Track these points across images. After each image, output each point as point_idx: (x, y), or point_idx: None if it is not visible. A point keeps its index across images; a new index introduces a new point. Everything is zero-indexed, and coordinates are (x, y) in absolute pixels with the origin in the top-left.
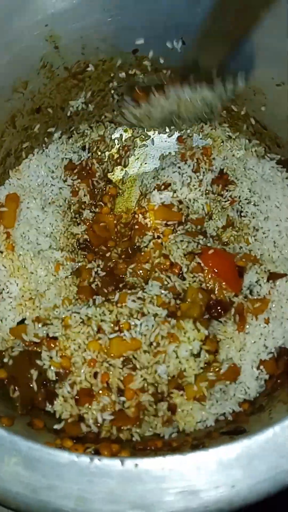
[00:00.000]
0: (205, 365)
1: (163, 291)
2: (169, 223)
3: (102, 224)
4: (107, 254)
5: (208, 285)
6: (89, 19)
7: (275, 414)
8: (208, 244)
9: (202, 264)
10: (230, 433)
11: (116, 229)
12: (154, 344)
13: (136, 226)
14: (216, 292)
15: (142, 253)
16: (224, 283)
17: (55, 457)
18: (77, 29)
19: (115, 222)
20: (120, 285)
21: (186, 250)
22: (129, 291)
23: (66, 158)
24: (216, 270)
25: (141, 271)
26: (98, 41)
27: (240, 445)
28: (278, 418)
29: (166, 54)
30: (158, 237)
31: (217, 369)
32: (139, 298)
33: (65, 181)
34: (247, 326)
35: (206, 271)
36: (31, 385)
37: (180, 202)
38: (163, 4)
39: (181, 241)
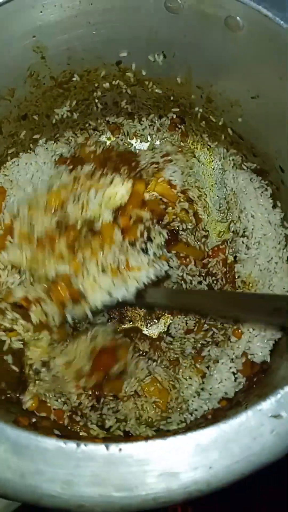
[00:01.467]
0: None
1: None
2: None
3: None
4: None
5: None
6: (75, 31)
7: (251, 407)
8: None
9: None
10: None
11: None
12: None
13: None
14: None
15: None
16: None
17: (43, 443)
18: (63, 41)
19: None
20: None
21: None
22: None
23: (56, 154)
24: None
25: None
26: (83, 52)
27: (216, 429)
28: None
29: (148, 66)
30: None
31: None
32: None
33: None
34: None
35: None
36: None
37: None
38: (145, 20)
39: None
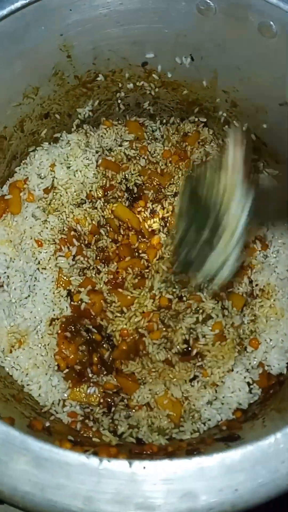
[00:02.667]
0: None
1: None
2: None
3: None
4: None
5: None
6: (103, 31)
7: (269, 422)
8: None
9: None
10: (225, 440)
11: None
12: None
13: None
14: None
15: None
16: None
17: (65, 457)
18: (90, 40)
19: None
20: None
21: None
22: None
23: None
24: None
25: None
26: (110, 52)
27: (242, 451)
28: (272, 426)
29: (174, 68)
30: None
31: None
32: None
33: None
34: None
35: None
36: None
37: None
38: (175, 23)
39: None
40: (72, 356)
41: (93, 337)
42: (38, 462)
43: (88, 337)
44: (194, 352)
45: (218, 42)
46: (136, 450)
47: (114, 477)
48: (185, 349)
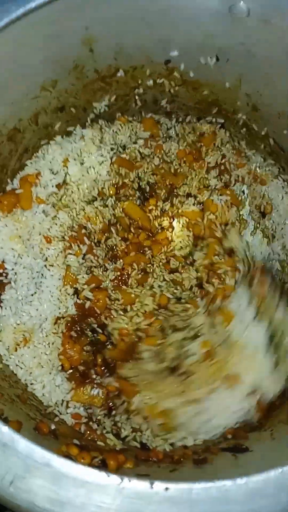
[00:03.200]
0: None
1: None
2: None
3: None
4: None
5: None
6: (128, 27)
7: (277, 434)
8: None
9: None
10: (231, 450)
11: None
12: None
13: None
14: None
15: None
16: None
17: (86, 475)
18: (114, 35)
19: None
20: None
21: None
22: None
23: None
24: None
25: None
26: (132, 48)
27: (266, 475)
28: (282, 439)
29: (197, 68)
30: None
31: None
32: None
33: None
34: None
35: None
36: None
37: None
38: (203, 23)
39: None
40: (77, 356)
41: (98, 337)
42: (57, 479)
43: (93, 338)
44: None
45: (247, 46)
46: (142, 457)
47: (136, 497)
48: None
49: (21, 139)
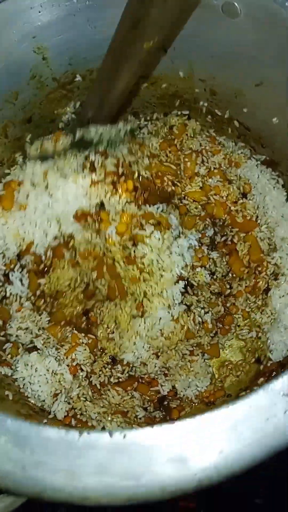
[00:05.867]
0: None
1: None
2: None
3: None
4: None
5: None
6: (75, 30)
7: None
8: None
9: None
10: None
11: None
12: None
13: None
14: None
15: None
16: None
17: (44, 433)
18: (63, 40)
19: None
20: None
21: None
22: None
23: None
24: None
25: None
26: (85, 51)
27: (225, 411)
28: None
29: None
30: None
31: None
32: None
33: None
34: None
35: None
36: None
37: None
38: None
39: None
40: None
41: None
42: (17, 440)
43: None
44: None
45: (188, 31)
46: None
47: (95, 448)
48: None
49: None
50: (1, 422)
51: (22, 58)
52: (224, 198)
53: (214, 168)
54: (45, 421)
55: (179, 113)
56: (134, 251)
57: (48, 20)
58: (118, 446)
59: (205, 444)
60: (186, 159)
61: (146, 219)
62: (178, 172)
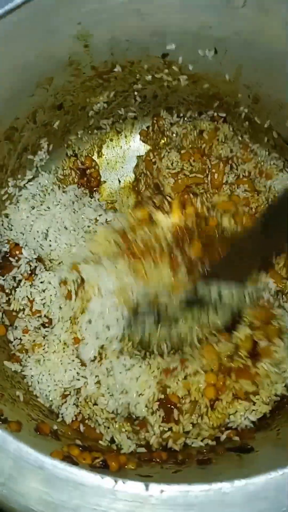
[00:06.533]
0: None
1: None
2: None
3: None
4: None
5: None
6: (122, 20)
7: (284, 435)
8: None
9: None
10: (237, 450)
11: None
12: None
13: None
14: None
15: None
16: None
17: (80, 477)
18: (109, 29)
19: None
20: None
21: None
22: None
23: None
24: None
25: None
26: (128, 43)
27: (264, 477)
28: (286, 438)
29: (195, 61)
30: None
31: None
32: None
33: None
34: None
35: None
36: None
37: None
38: (200, 14)
39: None
40: None
41: None
42: (52, 482)
43: None
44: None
45: (245, 36)
46: (145, 457)
47: (131, 499)
48: None
49: (19, 138)
50: (36, 460)
51: (63, 43)
52: (254, 209)
53: (244, 176)
54: (55, 427)
55: (215, 114)
56: None
57: (96, 7)
58: (155, 500)
59: (244, 509)
60: (214, 170)
61: None
62: (206, 180)
